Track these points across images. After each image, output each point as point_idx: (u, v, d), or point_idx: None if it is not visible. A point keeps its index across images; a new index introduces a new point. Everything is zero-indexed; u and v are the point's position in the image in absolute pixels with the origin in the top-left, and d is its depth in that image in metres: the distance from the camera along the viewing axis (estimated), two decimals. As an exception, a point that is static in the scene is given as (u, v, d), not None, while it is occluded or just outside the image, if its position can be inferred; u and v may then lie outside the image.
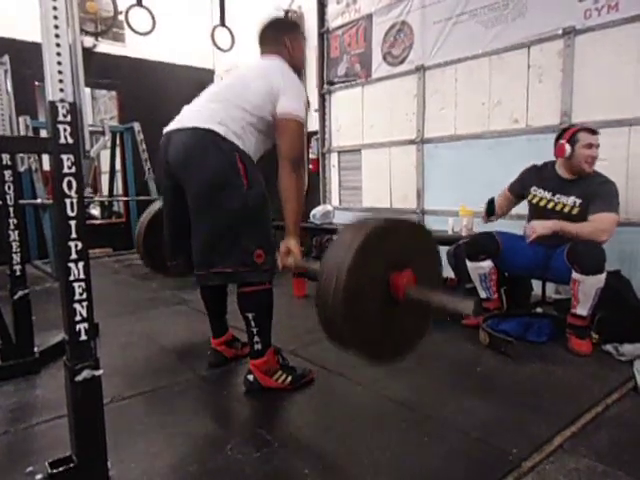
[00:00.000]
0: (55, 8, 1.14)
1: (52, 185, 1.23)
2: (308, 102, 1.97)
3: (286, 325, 2.73)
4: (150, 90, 5.88)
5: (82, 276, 1.20)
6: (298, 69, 2.11)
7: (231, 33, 4.54)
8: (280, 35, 2.08)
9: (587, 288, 2.29)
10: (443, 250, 2.98)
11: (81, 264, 1.20)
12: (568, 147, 2.51)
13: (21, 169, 4.48)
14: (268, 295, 1.95)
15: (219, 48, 4.60)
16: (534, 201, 2.67)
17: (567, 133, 2.56)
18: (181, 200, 1.91)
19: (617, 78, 2.99)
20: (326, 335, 1.39)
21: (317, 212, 4.80)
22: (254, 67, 2.06)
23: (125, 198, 6.02)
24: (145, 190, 5.40)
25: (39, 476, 1.43)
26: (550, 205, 2.60)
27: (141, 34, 5.01)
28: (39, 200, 4.49)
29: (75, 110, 1.18)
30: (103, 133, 5.09)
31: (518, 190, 2.77)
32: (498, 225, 2.85)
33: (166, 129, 1.96)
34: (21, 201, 2.53)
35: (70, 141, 1.17)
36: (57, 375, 1.96)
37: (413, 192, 4.31)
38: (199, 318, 3.01)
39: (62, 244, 1.18)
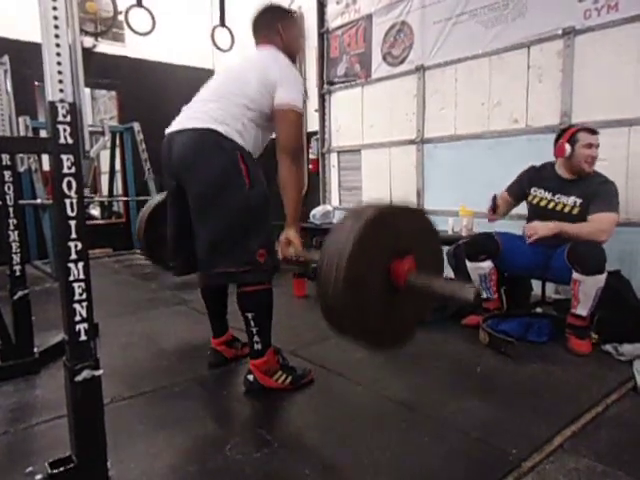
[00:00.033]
0: (55, 8, 1.14)
1: (52, 185, 1.23)
2: (305, 91, 1.96)
3: (286, 325, 2.73)
4: (150, 90, 5.88)
5: (82, 276, 1.20)
6: (293, 56, 2.09)
7: (231, 33, 4.53)
8: (273, 23, 2.06)
9: (587, 288, 2.29)
10: (443, 250, 2.98)
11: (81, 264, 1.20)
12: (568, 147, 2.51)
13: (21, 169, 4.48)
14: (268, 295, 1.95)
15: (219, 48, 4.59)
16: (534, 201, 2.67)
17: (567, 133, 2.56)
18: (184, 201, 1.92)
19: (617, 78, 2.99)
20: (327, 323, 1.39)
21: (317, 212, 4.80)
22: (249, 60, 2.04)
23: (125, 198, 6.02)
24: (145, 190, 5.40)
25: (39, 476, 1.42)
26: (550, 205, 2.60)
27: (141, 34, 5.01)
28: (39, 200, 4.49)
29: (75, 110, 1.18)
30: (103, 133, 5.09)
31: (517, 192, 2.76)
32: (498, 225, 2.85)
33: (168, 130, 1.96)
34: (21, 201, 2.53)
35: (70, 141, 1.16)
36: (57, 375, 1.95)
37: (413, 192, 4.32)
38: (199, 318, 3.01)
39: (62, 244, 1.18)
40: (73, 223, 1.18)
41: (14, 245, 2.22)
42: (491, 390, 2.02)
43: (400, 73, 4.33)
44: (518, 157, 3.33)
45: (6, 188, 2.19)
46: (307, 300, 3.53)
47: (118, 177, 6.32)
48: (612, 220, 2.39)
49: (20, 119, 4.40)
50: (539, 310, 2.87)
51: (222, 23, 4.48)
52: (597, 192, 2.46)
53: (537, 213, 2.62)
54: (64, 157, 1.16)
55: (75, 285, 1.19)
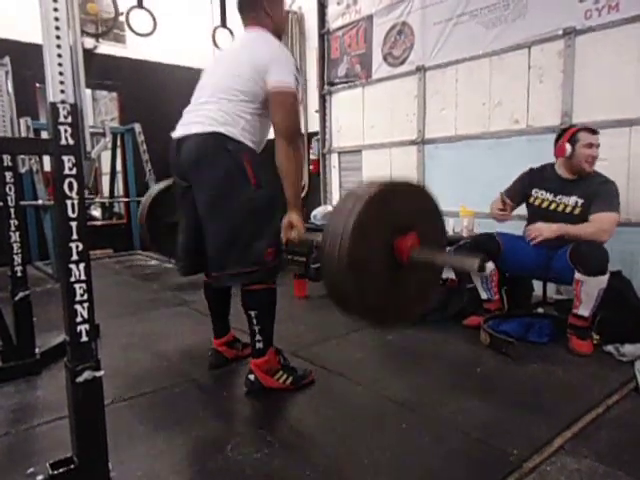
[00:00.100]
0: (56, 9, 1.14)
1: (53, 186, 1.23)
2: (297, 69, 1.90)
3: (287, 326, 2.73)
4: (151, 91, 5.89)
5: (83, 277, 1.20)
6: (281, 34, 2.06)
7: (232, 34, 4.53)
8: (259, 1, 1.99)
9: (590, 289, 2.29)
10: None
11: (82, 265, 1.20)
12: (569, 147, 2.51)
13: (22, 170, 4.49)
14: (271, 294, 1.97)
15: (220, 49, 4.60)
16: (536, 203, 2.67)
17: (567, 133, 2.57)
18: (192, 202, 1.94)
19: (618, 78, 2.99)
20: (332, 302, 1.39)
21: (318, 213, 4.79)
22: (237, 49, 2.01)
23: (126, 199, 6.03)
24: (146, 191, 5.39)
25: (40, 477, 1.42)
26: (552, 206, 2.60)
27: (142, 35, 5.01)
28: (40, 201, 4.50)
29: (76, 111, 1.18)
30: (104, 134, 5.09)
31: (517, 194, 2.74)
32: (499, 226, 2.85)
33: (174, 135, 1.97)
34: (22, 202, 2.54)
35: (71, 142, 1.17)
36: (58, 376, 1.96)
37: (414, 193, 4.30)
38: (200, 319, 3.02)
39: (63, 245, 1.18)
40: (74, 224, 1.19)
41: (15, 246, 2.22)
42: (492, 390, 2.02)
43: (401, 74, 4.33)
44: (518, 158, 3.33)
45: (7, 189, 2.19)
46: (308, 301, 3.53)
47: (119, 178, 6.32)
48: (613, 220, 2.39)
49: (21, 120, 4.40)
50: (540, 310, 2.87)
51: (223, 24, 4.49)
52: (598, 192, 2.46)
53: (539, 214, 2.61)
54: (65, 158, 1.16)
55: (76, 286, 1.20)
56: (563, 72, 3.24)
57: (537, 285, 2.97)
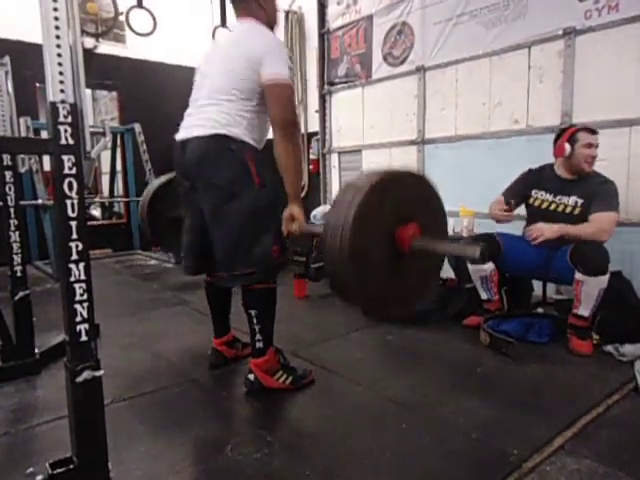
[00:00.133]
0: (56, 9, 1.14)
1: (53, 186, 1.23)
2: (290, 58, 1.89)
3: (286, 325, 2.73)
4: (151, 91, 5.89)
5: (83, 277, 1.20)
6: (273, 25, 2.04)
7: (232, 34, 4.53)
8: None
9: (590, 289, 2.29)
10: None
11: (82, 265, 1.20)
12: (568, 147, 2.51)
13: (22, 170, 4.48)
14: (272, 294, 1.97)
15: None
16: (535, 204, 2.66)
17: (566, 133, 2.57)
18: (198, 203, 1.96)
19: (618, 78, 2.99)
20: (335, 292, 1.40)
21: (317, 213, 4.79)
22: (230, 41, 1.98)
23: (126, 199, 6.03)
24: (146, 191, 5.40)
25: (40, 477, 1.43)
26: (552, 207, 2.60)
27: (142, 35, 5.00)
28: (40, 201, 4.50)
29: (76, 111, 1.18)
30: (104, 134, 5.09)
31: (516, 195, 2.73)
32: (499, 226, 2.85)
33: (178, 137, 1.97)
34: (22, 202, 2.53)
35: (71, 142, 1.17)
36: (58, 376, 1.95)
37: (413, 193, 4.30)
38: (200, 319, 3.02)
39: (63, 245, 1.18)
40: (74, 224, 1.18)
41: (15, 246, 2.22)
42: (492, 390, 2.02)
43: (401, 74, 4.32)
44: (518, 158, 3.33)
45: (7, 189, 2.19)
46: (308, 301, 3.53)
47: (119, 178, 6.32)
48: (613, 219, 2.39)
49: (21, 120, 4.40)
50: (540, 310, 2.87)
51: (223, 23, 4.48)
52: (597, 192, 2.46)
53: (538, 215, 2.61)
54: (65, 158, 1.16)
55: (76, 286, 1.19)
56: (563, 72, 3.23)
57: (537, 285, 2.97)
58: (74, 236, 1.18)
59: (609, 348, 2.33)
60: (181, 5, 5.84)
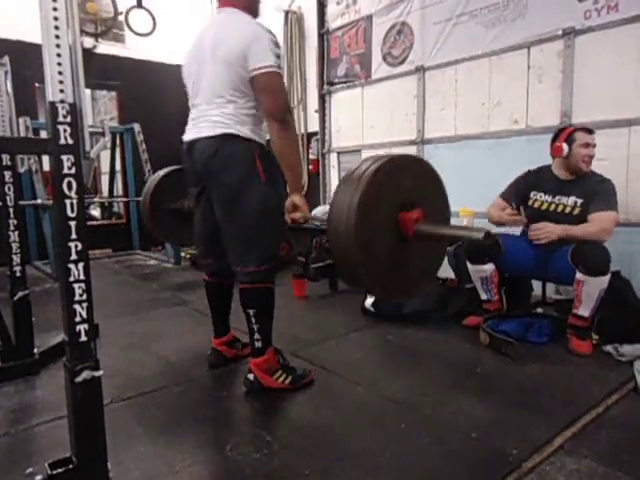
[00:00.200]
0: (55, 9, 1.14)
1: (52, 186, 1.23)
2: (276, 43, 1.81)
3: (286, 326, 2.73)
4: (150, 91, 5.89)
5: (82, 277, 1.20)
6: (256, 11, 1.99)
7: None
8: None
9: (591, 289, 2.29)
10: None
11: (81, 265, 1.20)
12: (565, 146, 2.51)
13: (21, 170, 4.48)
14: (270, 293, 1.98)
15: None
16: (535, 205, 2.65)
17: (564, 133, 2.57)
18: (208, 202, 1.98)
19: (617, 78, 2.99)
20: (340, 276, 1.43)
21: (317, 213, 4.79)
22: (215, 41, 1.86)
23: (125, 199, 6.02)
24: (145, 191, 5.39)
25: (39, 477, 1.43)
26: (551, 207, 2.59)
27: (141, 35, 5.00)
28: (39, 201, 4.49)
29: (75, 111, 1.18)
30: (103, 134, 5.08)
31: (517, 197, 2.72)
32: (496, 228, 2.84)
33: (185, 138, 1.98)
34: (21, 202, 2.53)
35: (70, 142, 1.16)
36: (57, 376, 1.96)
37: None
38: (199, 319, 3.02)
39: (62, 245, 1.18)
40: (73, 224, 1.18)
41: (14, 246, 2.22)
42: (491, 390, 2.02)
43: (400, 74, 4.33)
44: (518, 158, 3.33)
45: (6, 189, 2.19)
46: (307, 301, 3.53)
47: (118, 178, 6.32)
48: (613, 219, 2.39)
49: (20, 120, 4.40)
50: (539, 310, 2.87)
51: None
52: (596, 191, 2.46)
53: (538, 216, 2.59)
54: (64, 158, 1.16)
55: (75, 286, 1.19)
56: (562, 72, 3.24)
57: (536, 285, 2.97)
58: (73, 236, 1.18)
59: (608, 348, 2.33)
60: (181, 5, 5.84)
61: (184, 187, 2.67)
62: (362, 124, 4.78)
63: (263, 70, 1.78)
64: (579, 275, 2.31)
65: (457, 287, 3.03)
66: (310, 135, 5.43)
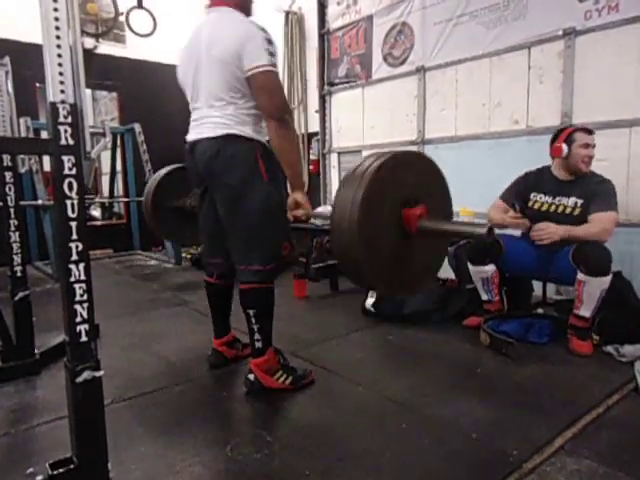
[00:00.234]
0: (56, 9, 1.14)
1: (53, 186, 1.23)
2: (270, 41, 1.79)
3: (286, 326, 2.73)
4: (151, 91, 5.89)
5: (83, 277, 1.20)
6: (249, 9, 1.97)
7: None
8: None
9: (592, 289, 2.29)
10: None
11: (82, 265, 1.20)
12: (565, 147, 2.51)
13: (22, 170, 4.48)
14: (270, 293, 1.98)
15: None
16: (535, 206, 2.65)
17: (563, 133, 2.57)
18: (212, 201, 1.99)
19: (618, 79, 2.99)
20: (343, 272, 1.43)
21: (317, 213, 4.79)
22: (209, 42, 1.85)
23: (126, 199, 6.02)
24: (146, 191, 5.39)
25: (39, 477, 1.43)
26: (552, 208, 2.59)
27: (142, 36, 5.00)
28: (40, 201, 4.49)
29: (76, 111, 1.18)
30: (104, 134, 5.08)
31: (518, 199, 2.71)
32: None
33: (187, 139, 1.99)
34: (22, 202, 2.53)
35: (71, 142, 1.17)
36: (58, 376, 1.96)
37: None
38: (200, 319, 3.02)
39: (63, 245, 1.18)
40: (74, 224, 1.18)
41: (15, 246, 2.22)
42: (492, 391, 2.02)
43: (401, 74, 4.33)
44: (518, 158, 3.33)
45: (7, 189, 2.19)
46: (308, 301, 3.53)
47: (119, 178, 6.32)
48: (613, 219, 2.39)
49: (21, 120, 4.40)
50: (540, 311, 2.86)
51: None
52: (596, 192, 2.46)
53: (539, 217, 2.59)
54: (65, 158, 1.16)
55: (76, 286, 1.19)
56: (563, 73, 3.24)
57: (537, 286, 2.97)
58: (74, 236, 1.18)
59: (609, 349, 2.33)
60: (181, 5, 5.84)
61: (186, 185, 2.68)
62: (362, 124, 4.78)
63: (258, 70, 1.78)
64: (580, 275, 2.31)
65: (457, 287, 3.03)
66: (311, 135, 5.43)
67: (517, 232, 2.71)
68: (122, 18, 5.40)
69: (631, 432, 1.69)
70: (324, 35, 5.05)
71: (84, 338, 1.22)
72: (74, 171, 1.18)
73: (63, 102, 1.16)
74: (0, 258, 2.49)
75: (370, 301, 3.01)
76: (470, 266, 2.67)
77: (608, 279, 2.27)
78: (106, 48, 5.69)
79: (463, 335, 2.67)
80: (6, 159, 2.19)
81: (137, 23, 5.30)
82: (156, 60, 5.95)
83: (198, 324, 2.93)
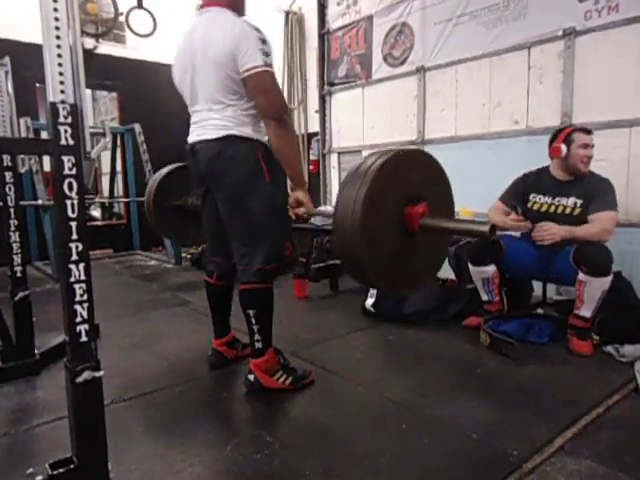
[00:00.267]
0: (56, 9, 1.14)
1: (53, 186, 1.23)
2: (264, 40, 1.78)
3: (286, 326, 2.74)
4: (151, 91, 5.88)
5: (83, 277, 1.20)
6: (242, 9, 1.95)
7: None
8: None
9: (593, 289, 2.29)
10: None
11: (82, 265, 1.20)
12: (564, 147, 2.51)
13: (22, 170, 4.48)
14: (269, 293, 1.98)
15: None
16: (535, 207, 2.64)
17: (562, 134, 2.56)
18: (214, 202, 2.00)
19: (617, 79, 2.99)
20: (345, 270, 1.44)
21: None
22: (204, 43, 1.83)
23: (126, 199, 6.02)
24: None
25: (39, 477, 1.42)
26: (551, 209, 2.59)
27: (142, 36, 5.00)
28: (40, 201, 4.49)
29: (76, 111, 1.18)
30: (104, 134, 5.08)
31: (517, 200, 2.72)
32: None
33: (189, 140, 1.98)
34: (22, 202, 2.53)
35: (71, 142, 1.17)
36: (57, 376, 1.96)
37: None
38: (200, 319, 3.01)
39: (63, 245, 1.18)
40: (74, 224, 1.18)
41: (15, 246, 2.22)
42: (492, 391, 2.02)
43: (401, 74, 4.33)
44: (518, 158, 3.33)
45: (7, 189, 2.19)
46: (308, 301, 3.53)
47: (119, 178, 6.32)
48: (613, 218, 2.39)
49: (21, 120, 4.40)
50: (540, 311, 2.86)
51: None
52: (595, 191, 2.46)
53: (539, 218, 2.59)
54: (65, 158, 1.16)
55: (76, 286, 1.19)
56: (563, 73, 3.24)
57: (537, 286, 2.97)
58: (74, 237, 1.18)
59: (609, 349, 2.33)
60: (181, 5, 5.84)
61: (187, 184, 2.68)
62: (362, 124, 4.78)
63: (253, 71, 1.77)
64: (581, 276, 2.30)
65: (457, 288, 3.03)
66: (310, 135, 5.43)
67: (517, 233, 2.71)
68: (122, 18, 5.40)
69: (631, 432, 1.69)
70: (324, 35, 5.05)
71: (84, 338, 1.22)
72: (74, 171, 1.18)
73: (63, 102, 1.16)
74: (0, 258, 2.50)
75: (370, 301, 3.01)
76: (470, 266, 2.67)
77: (609, 279, 2.27)
78: (106, 48, 5.69)
79: (463, 335, 2.67)
80: (6, 159, 2.19)
81: (137, 23, 5.30)
82: (156, 60, 5.94)
83: (198, 324, 2.93)
